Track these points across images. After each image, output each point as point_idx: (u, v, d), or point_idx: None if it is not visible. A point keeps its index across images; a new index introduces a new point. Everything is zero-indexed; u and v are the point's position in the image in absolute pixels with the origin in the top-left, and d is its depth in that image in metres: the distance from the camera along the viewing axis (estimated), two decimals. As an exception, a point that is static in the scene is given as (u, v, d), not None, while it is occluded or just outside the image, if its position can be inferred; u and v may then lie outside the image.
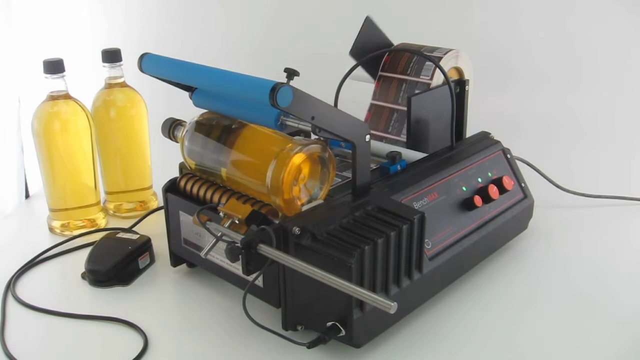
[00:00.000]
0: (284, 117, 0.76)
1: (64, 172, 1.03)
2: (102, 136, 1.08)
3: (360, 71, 1.01)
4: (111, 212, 1.12)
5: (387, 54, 1.02)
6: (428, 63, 0.97)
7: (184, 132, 0.85)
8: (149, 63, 0.81)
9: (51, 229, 1.07)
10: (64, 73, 0.99)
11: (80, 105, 1.02)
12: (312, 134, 0.77)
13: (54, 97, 1.00)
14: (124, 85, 1.07)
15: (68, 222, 1.06)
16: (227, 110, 0.83)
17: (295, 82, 0.71)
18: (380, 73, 1.02)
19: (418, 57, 0.99)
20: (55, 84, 0.99)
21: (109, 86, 1.07)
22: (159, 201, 1.14)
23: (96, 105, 1.07)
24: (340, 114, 0.76)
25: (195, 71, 0.77)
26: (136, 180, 1.13)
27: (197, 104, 0.86)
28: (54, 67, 0.98)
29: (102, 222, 1.08)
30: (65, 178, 1.04)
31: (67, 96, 1.01)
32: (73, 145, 1.02)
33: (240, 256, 0.70)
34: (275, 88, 0.66)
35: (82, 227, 1.06)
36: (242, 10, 1.59)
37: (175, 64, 0.79)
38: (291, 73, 0.72)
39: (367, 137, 0.78)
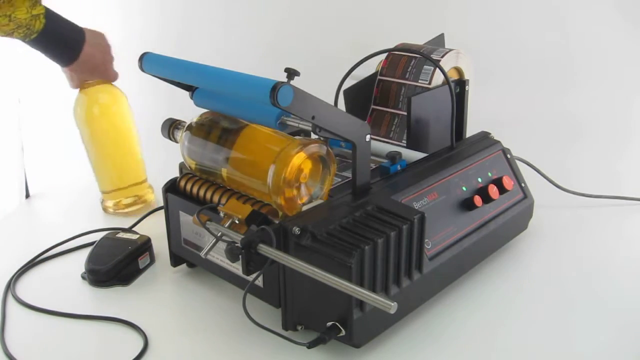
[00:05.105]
0: (284, 116, 0.76)
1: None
2: (89, 136, 1.08)
3: (360, 71, 1.01)
4: (111, 211, 1.12)
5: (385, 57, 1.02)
6: (426, 67, 0.97)
7: (183, 132, 0.85)
8: (149, 62, 0.81)
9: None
10: None
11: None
12: (312, 134, 0.77)
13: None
14: (100, 82, 1.07)
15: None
16: (228, 110, 0.83)
17: (295, 82, 0.71)
18: (378, 77, 1.02)
19: (416, 60, 0.99)
20: None
21: (88, 85, 1.06)
22: (156, 195, 1.14)
23: (78, 106, 1.07)
24: (341, 113, 0.76)
25: (196, 70, 0.77)
26: (130, 176, 1.13)
27: (198, 104, 0.86)
28: None
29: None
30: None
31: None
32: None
33: (240, 256, 0.70)
34: (276, 87, 0.66)
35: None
36: (241, 10, 1.59)
37: (176, 64, 0.79)
38: (292, 73, 0.72)
39: (368, 137, 0.78)
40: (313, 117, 0.71)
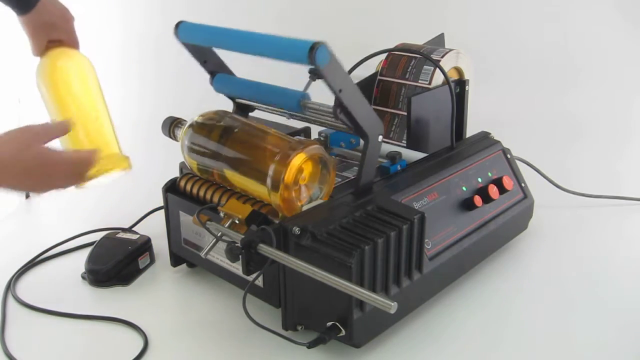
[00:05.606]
0: (305, 99, 0.75)
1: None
2: (53, 103, 0.95)
3: (360, 71, 1.01)
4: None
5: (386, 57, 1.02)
6: (426, 67, 0.97)
7: (184, 131, 0.85)
8: (185, 31, 0.81)
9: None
10: None
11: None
12: (316, 134, 0.76)
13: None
14: (64, 45, 0.93)
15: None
16: (249, 94, 0.82)
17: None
18: (378, 77, 1.02)
19: (416, 60, 0.99)
20: None
21: (50, 48, 0.92)
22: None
23: (39, 74, 0.92)
24: (364, 100, 0.76)
25: (232, 35, 0.77)
26: (99, 146, 1.01)
27: (218, 90, 0.84)
28: None
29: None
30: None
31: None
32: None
33: (240, 256, 0.70)
34: (314, 46, 0.66)
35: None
36: (241, 10, 1.59)
37: (212, 30, 0.79)
38: (315, 74, 0.72)
39: (380, 137, 0.78)
40: (340, 91, 0.71)
